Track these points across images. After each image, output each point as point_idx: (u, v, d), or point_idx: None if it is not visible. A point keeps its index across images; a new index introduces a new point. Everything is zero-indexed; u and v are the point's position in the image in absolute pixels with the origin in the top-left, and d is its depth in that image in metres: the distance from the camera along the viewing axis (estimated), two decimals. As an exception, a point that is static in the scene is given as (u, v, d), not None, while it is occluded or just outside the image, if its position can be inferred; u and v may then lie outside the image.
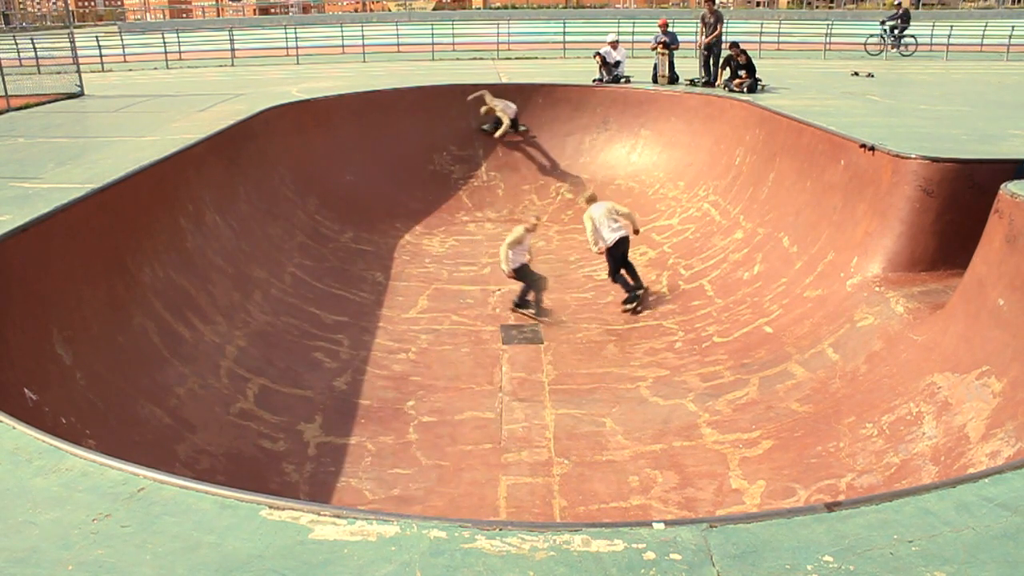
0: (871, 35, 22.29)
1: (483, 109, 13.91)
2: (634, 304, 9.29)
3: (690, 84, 14.85)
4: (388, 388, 7.51)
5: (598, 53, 15.58)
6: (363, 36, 24.67)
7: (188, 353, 6.81)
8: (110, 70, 21.42)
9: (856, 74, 17.03)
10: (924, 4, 57.06)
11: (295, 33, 25.13)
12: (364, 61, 22.61)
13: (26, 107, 12.91)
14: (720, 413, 6.88)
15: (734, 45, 14.51)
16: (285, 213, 10.93)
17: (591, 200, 9.70)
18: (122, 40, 27.74)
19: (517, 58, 22.47)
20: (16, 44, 20.33)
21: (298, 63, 22.56)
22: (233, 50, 23.36)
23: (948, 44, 22.58)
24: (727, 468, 6.09)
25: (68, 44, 15.33)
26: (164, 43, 23.85)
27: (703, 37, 15.00)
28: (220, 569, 2.53)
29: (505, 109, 13.83)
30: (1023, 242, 5.72)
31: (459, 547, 2.63)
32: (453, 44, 25.41)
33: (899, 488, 4.70)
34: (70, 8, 23.81)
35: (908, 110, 11.59)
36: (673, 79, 15.21)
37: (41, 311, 5.47)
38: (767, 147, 10.98)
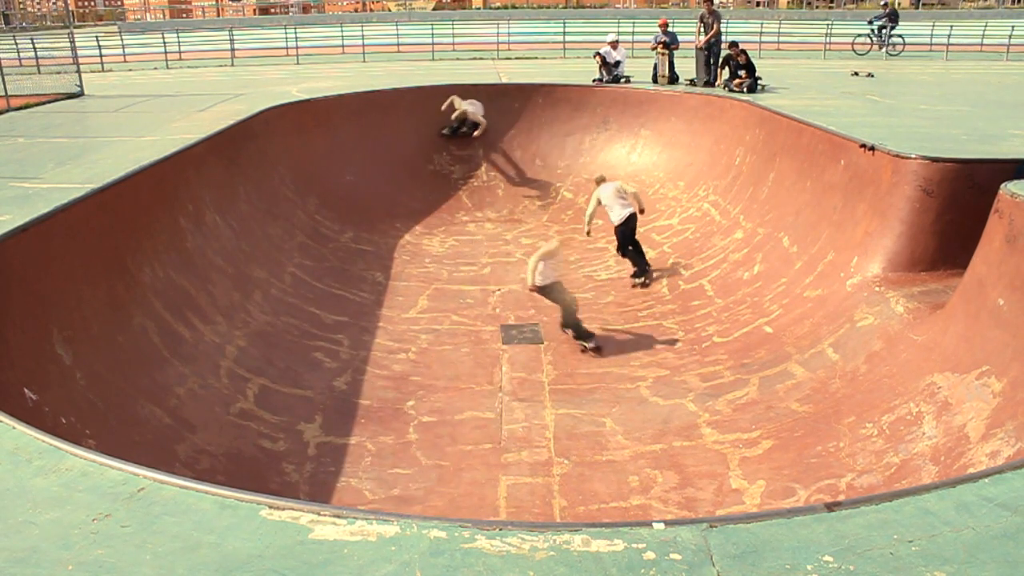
0: (859, 35, 22.32)
1: (454, 115, 13.74)
2: (642, 279, 10.00)
3: (690, 84, 14.85)
4: (388, 388, 7.51)
5: (598, 53, 15.58)
6: (363, 36, 24.66)
7: (188, 353, 6.81)
8: (110, 70, 21.42)
9: (856, 74, 17.03)
10: (924, 4, 57.03)
11: (295, 33, 25.13)
12: (364, 61, 22.61)
13: (26, 107, 12.91)
14: (720, 413, 6.88)
15: (733, 45, 14.51)
16: (285, 213, 10.93)
17: (600, 181, 10.21)
18: (122, 40, 27.74)
19: (517, 58, 22.47)
20: (16, 44, 20.32)
21: (298, 63, 22.56)
22: (233, 50, 23.36)
23: (948, 44, 22.58)
24: (727, 468, 6.09)
25: (68, 44, 15.33)
26: (164, 43, 23.84)
27: (701, 37, 15.00)
28: (220, 569, 2.53)
29: (476, 111, 13.72)
30: (1023, 242, 5.72)
31: (459, 547, 2.63)
32: (453, 44, 25.42)
33: (899, 488, 4.71)
34: (70, 8, 23.81)
35: (908, 110, 11.59)
36: (673, 79, 15.20)
37: (41, 311, 5.47)
38: (767, 147, 10.98)
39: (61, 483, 3.04)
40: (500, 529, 2.74)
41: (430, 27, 25.43)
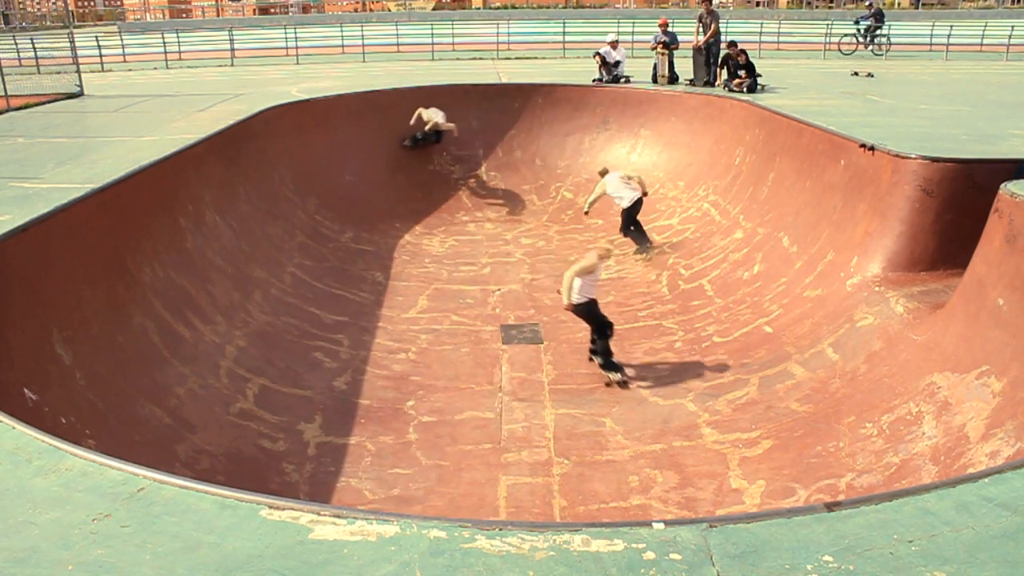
0: (845, 35, 22.35)
1: (427, 127, 13.36)
2: (645, 253, 10.85)
3: (689, 84, 14.85)
4: (388, 388, 7.51)
5: (598, 53, 15.58)
6: (363, 36, 24.66)
7: (188, 353, 6.82)
8: (110, 70, 21.41)
9: (856, 74, 17.03)
10: (924, 4, 57.03)
11: (295, 33, 25.12)
12: (364, 61, 22.61)
13: (26, 107, 12.90)
14: (720, 413, 6.88)
15: (732, 44, 14.51)
16: (285, 213, 10.93)
17: (604, 173, 10.90)
18: (122, 40, 27.73)
19: (517, 58, 22.46)
20: (16, 44, 20.31)
21: (298, 63, 22.56)
22: (233, 50, 23.35)
23: (948, 44, 22.57)
24: (727, 468, 6.09)
25: (68, 44, 15.32)
26: (164, 43, 23.83)
27: (700, 37, 15.00)
28: (220, 569, 2.53)
29: (443, 119, 13.34)
30: (1023, 242, 5.72)
31: (459, 547, 2.63)
32: (453, 44, 25.41)
33: (899, 488, 4.70)
34: (70, 8, 23.80)
35: (908, 110, 11.59)
36: (673, 79, 15.20)
37: (41, 311, 5.47)
38: (767, 147, 10.99)
39: (61, 483, 3.04)
40: (500, 529, 2.74)
41: (430, 27, 25.43)
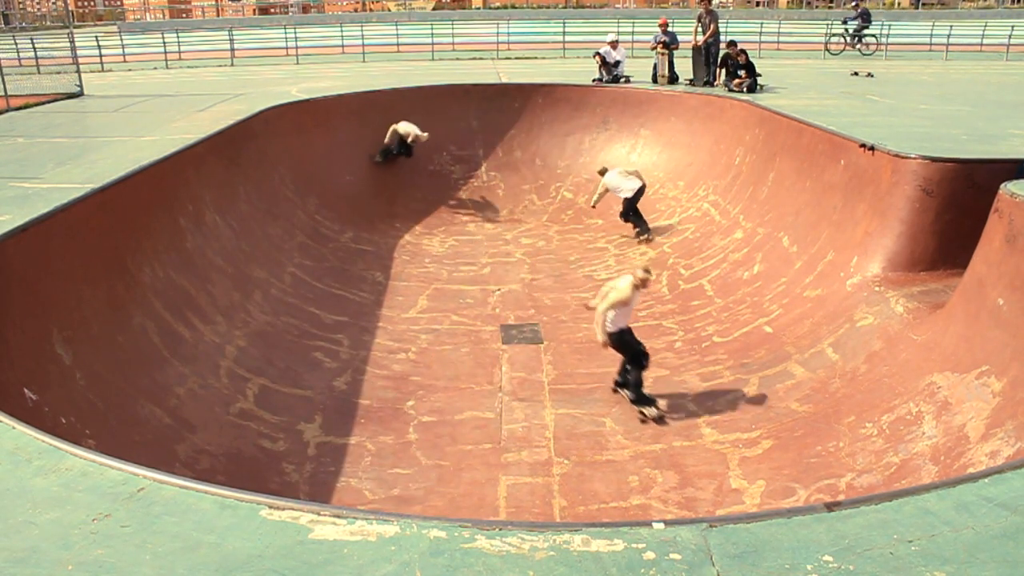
0: (832, 34, 22.37)
1: (410, 140, 13.09)
2: (646, 236, 11.42)
3: (689, 84, 14.85)
4: (388, 388, 7.51)
5: (598, 53, 15.58)
6: (363, 36, 24.64)
7: (188, 353, 6.82)
8: (110, 70, 21.41)
9: (856, 74, 17.03)
10: (924, 4, 57.03)
11: (294, 33, 25.10)
12: (364, 61, 22.60)
13: (26, 107, 12.90)
14: (720, 413, 6.88)
15: (732, 44, 14.50)
16: (285, 213, 10.93)
17: (603, 172, 11.56)
18: (121, 40, 27.71)
19: (517, 58, 22.46)
20: (16, 44, 20.31)
21: (297, 63, 22.55)
22: (233, 50, 23.34)
23: (948, 44, 22.57)
24: (727, 468, 6.09)
25: (68, 44, 15.32)
26: (164, 43, 23.82)
27: (699, 36, 15.00)
28: (220, 569, 2.53)
29: (417, 130, 13.07)
30: (1023, 242, 5.73)
31: (459, 547, 2.63)
32: (453, 44, 25.40)
33: (899, 488, 4.71)
34: (70, 8, 23.80)
35: (908, 110, 11.59)
36: (673, 79, 15.20)
37: (41, 311, 5.47)
38: (767, 147, 10.99)
39: (61, 483, 3.04)
40: (500, 529, 2.74)
41: (430, 27, 25.41)
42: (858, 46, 21.92)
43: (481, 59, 22.23)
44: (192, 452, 5.77)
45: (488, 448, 6.52)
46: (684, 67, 15.27)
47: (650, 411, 6.75)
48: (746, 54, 14.11)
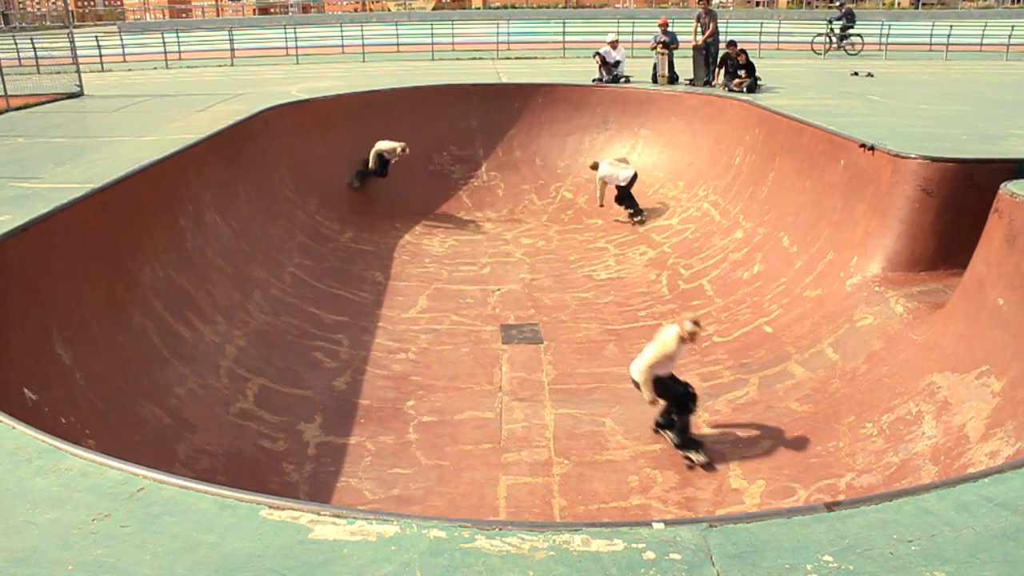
0: (817, 34, 22.38)
1: (394, 160, 12.70)
2: (639, 218, 12.08)
3: (689, 84, 14.85)
4: (388, 388, 7.51)
5: (598, 53, 15.58)
6: (362, 36, 24.63)
7: (188, 353, 6.82)
8: (109, 70, 21.41)
9: (856, 74, 17.03)
10: (924, 4, 57.01)
11: (294, 33, 25.09)
12: (363, 61, 22.60)
13: (26, 107, 12.90)
14: (720, 413, 6.88)
15: (731, 44, 14.50)
16: (285, 213, 10.93)
17: (595, 166, 12.21)
18: (121, 40, 27.69)
19: (517, 58, 22.45)
20: (16, 44, 20.32)
21: (297, 63, 22.55)
22: (232, 50, 23.33)
23: (948, 44, 22.57)
24: (727, 468, 6.09)
25: (67, 44, 15.32)
26: (163, 43, 23.82)
27: (698, 36, 15.00)
28: (220, 569, 2.53)
29: (394, 145, 12.69)
30: (1023, 242, 5.73)
31: (459, 547, 2.63)
32: (453, 44, 25.39)
33: (899, 488, 4.71)
34: (70, 8, 23.79)
35: (908, 110, 11.59)
36: (673, 79, 15.20)
37: (41, 311, 5.47)
38: (767, 147, 10.99)
39: (61, 483, 3.04)
40: (500, 529, 2.74)
41: (429, 27, 25.40)
42: (844, 45, 21.93)
43: (481, 59, 22.23)
44: (192, 452, 5.77)
45: (488, 448, 6.52)
46: (684, 67, 15.27)
47: (698, 457, 6.16)
48: (746, 54, 14.11)
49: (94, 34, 30.40)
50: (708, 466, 6.13)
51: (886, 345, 6.68)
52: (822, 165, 9.24)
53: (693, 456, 6.18)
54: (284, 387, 7.19)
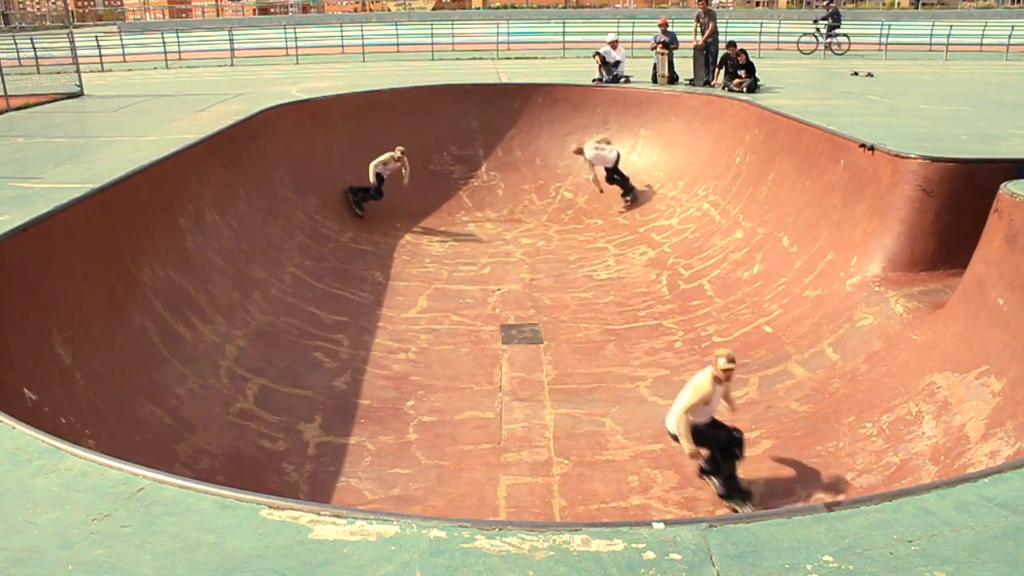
0: (804, 34, 22.37)
1: (389, 165, 12.29)
2: (632, 196, 12.54)
3: (689, 84, 14.85)
4: (388, 388, 7.51)
5: (598, 53, 15.57)
6: (362, 36, 24.63)
7: (188, 353, 6.82)
8: (109, 70, 21.40)
9: (856, 74, 17.03)
10: (924, 4, 57.00)
11: (294, 33, 25.08)
12: (363, 61, 22.60)
13: (25, 107, 12.90)
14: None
15: (731, 44, 14.50)
16: (285, 213, 10.93)
17: (580, 151, 12.41)
18: (121, 40, 27.68)
19: (517, 58, 22.45)
20: (15, 44, 20.31)
21: (297, 63, 22.54)
22: (232, 50, 23.33)
23: (948, 44, 22.56)
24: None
25: (67, 44, 15.32)
26: (163, 43, 23.81)
27: (698, 36, 15.00)
28: (220, 569, 2.53)
29: (389, 156, 12.35)
30: (1023, 242, 5.73)
31: (459, 547, 2.63)
32: (453, 44, 25.39)
33: (899, 488, 4.70)
34: (69, 8, 23.79)
35: (908, 110, 11.59)
36: (673, 79, 15.20)
37: (41, 311, 5.47)
38: (767, 147, 10.98)
39: (61, 483, 3.04)
40: (500, 529, 2.74)
41: (429, 27, 25.40)
42: (831, 44, 21.94)
43: (481, 59, 22.23)
44: (192, 452, 5.77)
45: (488, 448, 6.52)
46: (684, 67, 15.27)
47: (745, 508, 5.59)
48: (746, 54, 14.10)
49: (94, 34, 30.39)
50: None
51: (886, 345, 6.68)
52: (822, 165, 9.24)
53: (741, 507, 5.60)
54: (284, 387, 7.19)
